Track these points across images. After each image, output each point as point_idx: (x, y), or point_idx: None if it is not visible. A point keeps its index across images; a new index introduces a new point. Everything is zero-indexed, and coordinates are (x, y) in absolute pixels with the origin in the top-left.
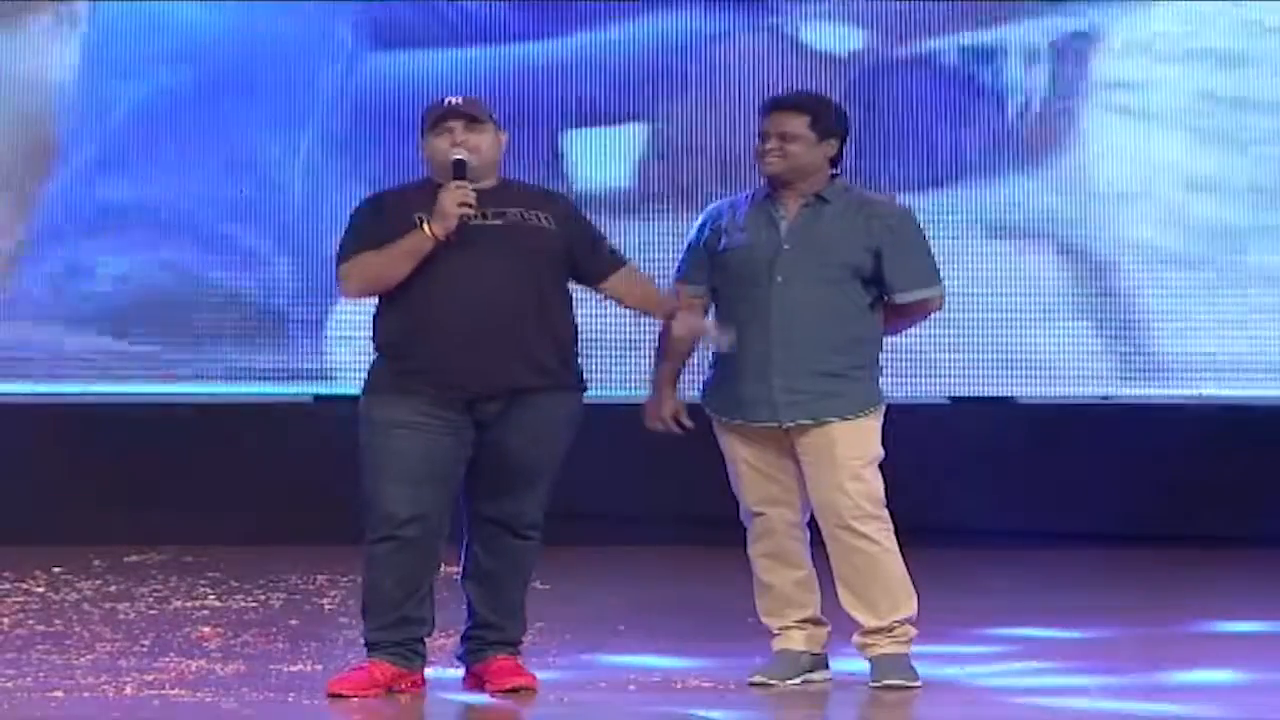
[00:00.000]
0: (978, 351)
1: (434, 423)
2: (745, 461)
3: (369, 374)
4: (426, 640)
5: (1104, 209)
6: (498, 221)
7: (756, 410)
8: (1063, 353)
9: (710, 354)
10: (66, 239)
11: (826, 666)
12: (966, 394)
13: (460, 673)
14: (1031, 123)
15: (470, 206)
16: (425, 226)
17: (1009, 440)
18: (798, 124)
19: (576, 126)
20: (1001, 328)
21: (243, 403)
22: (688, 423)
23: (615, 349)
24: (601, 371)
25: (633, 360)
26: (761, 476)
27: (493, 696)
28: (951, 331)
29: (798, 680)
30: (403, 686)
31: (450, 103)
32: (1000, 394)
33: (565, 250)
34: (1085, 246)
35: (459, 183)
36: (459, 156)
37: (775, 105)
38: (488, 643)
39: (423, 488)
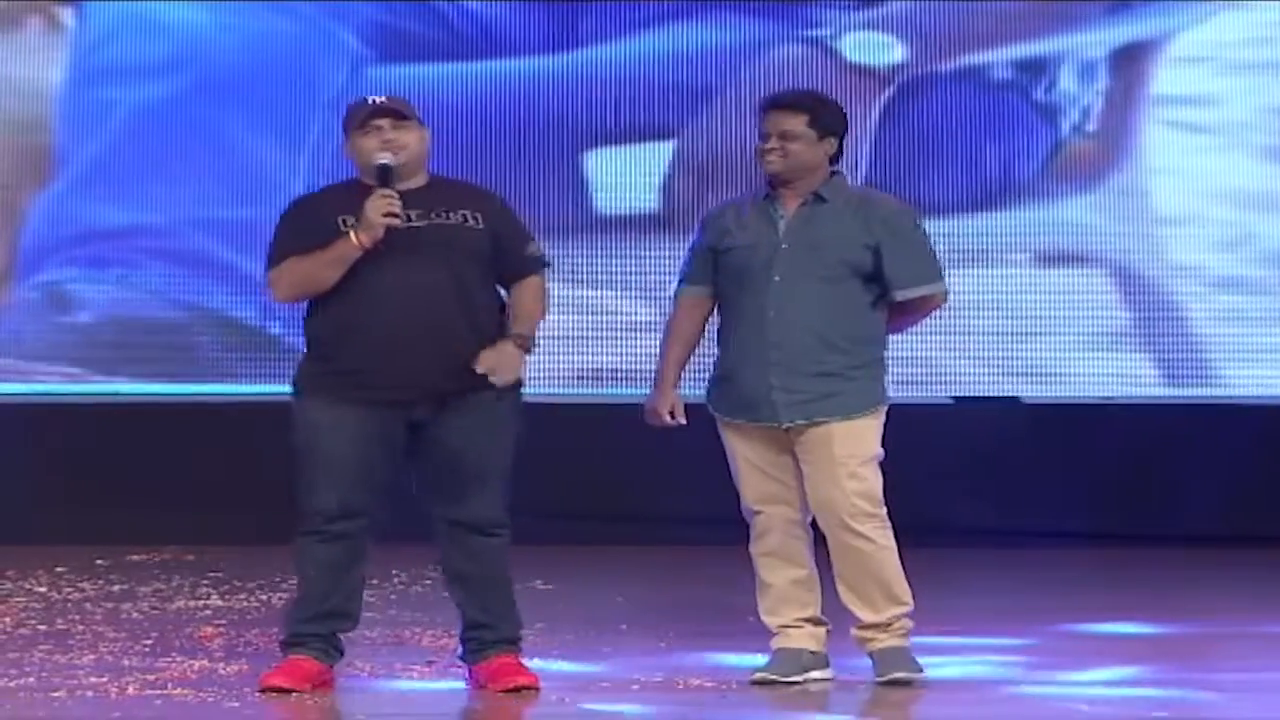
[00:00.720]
0: (984, 352)
1: (358, 421)
2: (746, 460)
3: (296, 373)
4: (344, 636)
5: (1150, 227)
6: (423, 223)
7: (756, 410)
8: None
9: (715, 352)
10: (60, 247)
11: (827, 665)
12: (971, 394)
13: (462, 675)
14: (1084, 139)
15: (396, 215)
16: (351, 234)
17: (1013, 440)
18: (797, 123)
19: (601, 144)
20: (1009, 332)
21: (245, 402)
22: (682, 419)
23: (621, 348)
24: (605, 371)
25: (635, 359)
26: (762, 475)
27: (495, 695)
28: (958, 332)
29: (800, 679)
30: (320, 682)
31: (375, 101)
32: (1005, 394)
33: (492, 248)
34: (1138, 266)
35: (384, 191)
36: (384, 162)
37: (774, 104)
38: (485, 642)
39: (351, 484)
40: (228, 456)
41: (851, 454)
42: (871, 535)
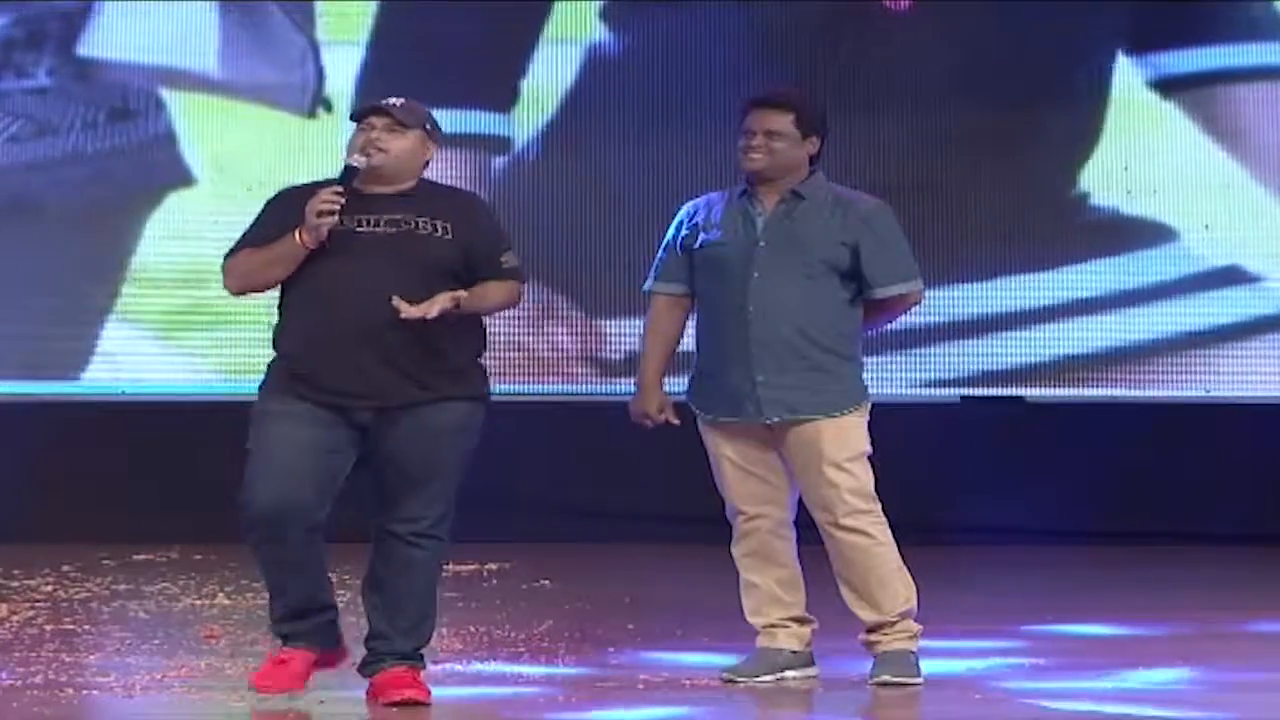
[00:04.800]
0: (989, 350)
1: (306, 416)
2: (729, 460)
3: (266, 371)
4: (337, 621)
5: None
6: (391, 230)
7: (740, 407)
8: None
9: (695, 351)
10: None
11: (810, 664)
12: (977, 393)
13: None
14: None
15: (330, 214)
16: (295, 233)
17: (1018, 439)
18: (782, 121)
19: None
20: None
21: (250, 400)
22: (674, 419)
23: (630, 348)
24: (616, 369)
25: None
26: (746, 475)
27: (503, 696)
28: (963, 329)
29: (770, 678)
30: (327, 664)
31: (386, 102)
32: (1010, 393)
33: (462, 259)
34: None
35: (332, 188)
36: (350, 163)
37: (760, 102)
38: (379, 654)
39: (289, 477)
40: (234, 455)
41: (840, 451)
42: (868, 530)
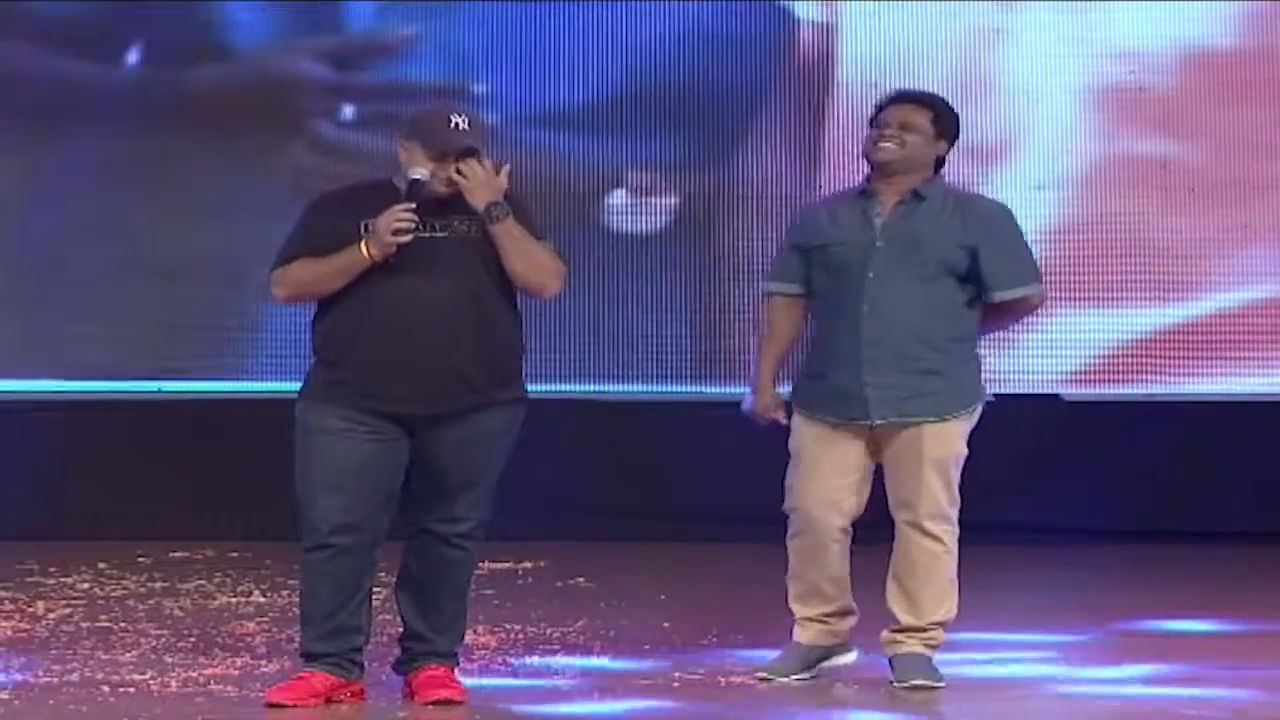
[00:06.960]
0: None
1: (362, 430)
2: (817, 459)
3: (305, 378)
4: (364, 650)
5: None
6: (444, 234)
7: (848, 407)
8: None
9: (808, 350)
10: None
11: (849, 651)
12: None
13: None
14: None
15: (406, 232)
16: (362, 245)
17: (1054, 437)
18: (920, 117)
19: None
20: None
21: (286, 399)
22: (783, 418)
23: (664, 348)
24: (649, 370)
25: (678, 359)
26: (830, 475)
27: (529, 692)
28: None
29: (806, 675)
30: (343, 697)
31: (457, 124)
32: (1046, 391)
33: None
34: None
35: (404, 205)
36: (417, 177)
37: (901, 97)
38: (416, 654)
39: (352, 495)
40: (270, 453)
41: (939, 454)
42: (943, 538)
